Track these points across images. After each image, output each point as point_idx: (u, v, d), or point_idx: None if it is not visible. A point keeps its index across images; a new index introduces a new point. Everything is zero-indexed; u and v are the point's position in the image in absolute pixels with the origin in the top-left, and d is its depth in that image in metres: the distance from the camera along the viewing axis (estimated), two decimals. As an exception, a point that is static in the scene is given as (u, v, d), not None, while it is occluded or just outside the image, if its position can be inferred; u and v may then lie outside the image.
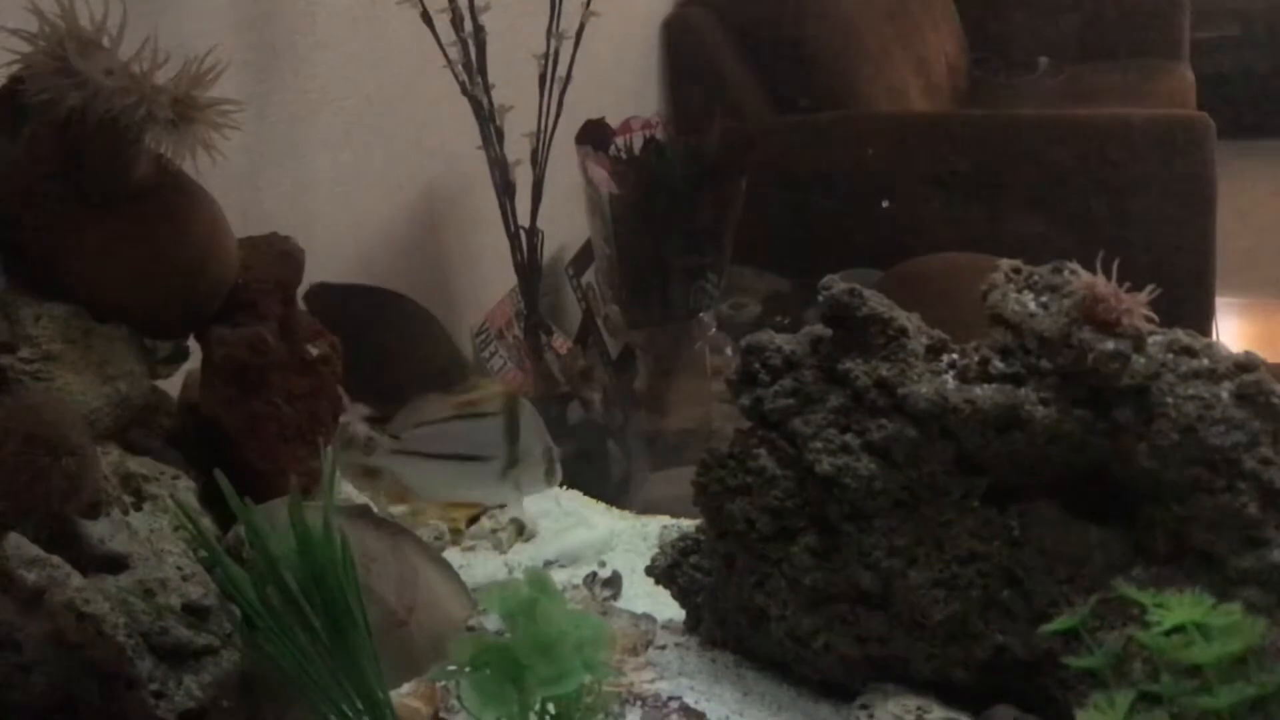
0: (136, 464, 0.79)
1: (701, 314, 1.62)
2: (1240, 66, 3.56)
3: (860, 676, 0.75)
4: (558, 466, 0.84)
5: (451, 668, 0.69)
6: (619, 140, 1.66)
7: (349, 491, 0.87)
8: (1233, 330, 2.59)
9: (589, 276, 1.86)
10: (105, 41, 0.74)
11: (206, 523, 0.78)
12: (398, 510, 0.92)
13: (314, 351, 0.82)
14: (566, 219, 1.69)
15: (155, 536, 0.76)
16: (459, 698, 0.72)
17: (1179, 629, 0.63)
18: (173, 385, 0.91)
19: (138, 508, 0.77)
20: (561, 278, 1.92)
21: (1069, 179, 2.10)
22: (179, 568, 0.75)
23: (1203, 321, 2.07)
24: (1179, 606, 0.63)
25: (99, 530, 0.73)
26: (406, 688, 0.76)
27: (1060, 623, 0.69)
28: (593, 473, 1.58)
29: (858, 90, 2.44)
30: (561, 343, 1.81)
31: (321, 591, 0.71)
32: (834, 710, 0.76)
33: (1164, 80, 2.85)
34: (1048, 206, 2.06)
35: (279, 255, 0.83)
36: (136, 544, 0.74)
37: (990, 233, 2.02)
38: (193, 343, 0.87)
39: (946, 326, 0.76)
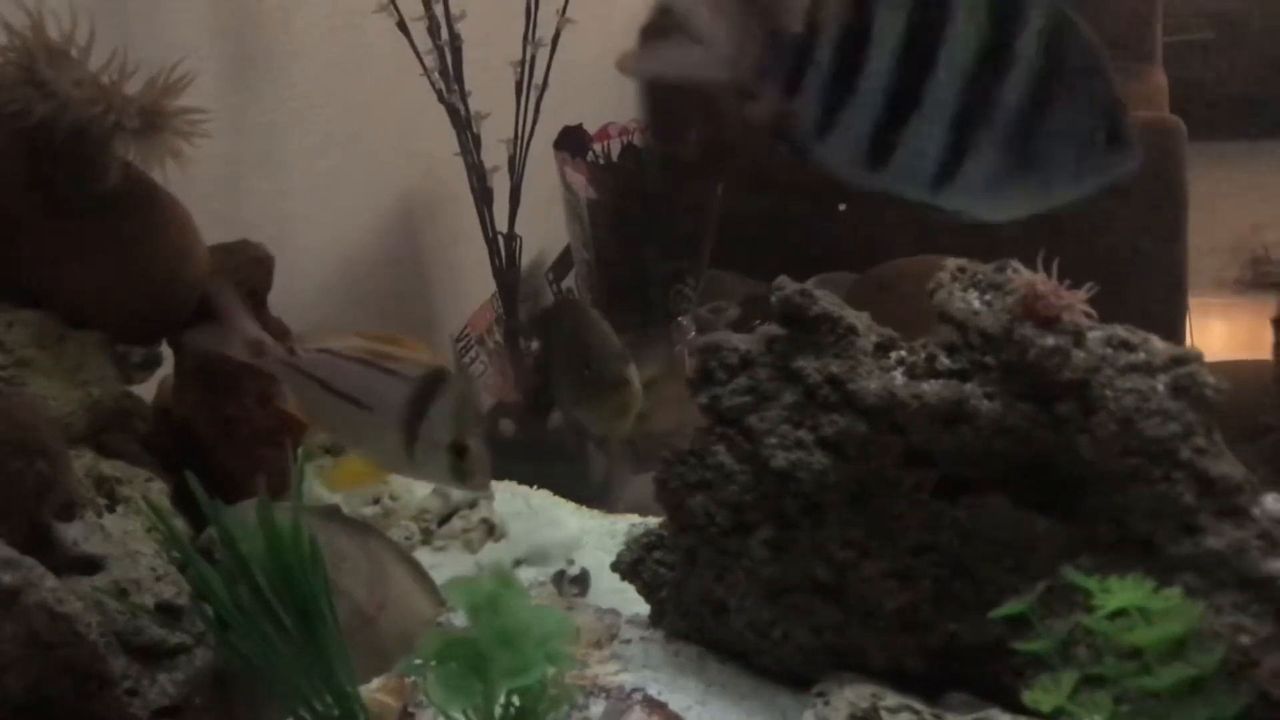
0: (110, 467, 0.80)
1: (680, 318, 1.63)
2: (1212, 70, 3.60)
3: (818, 666, 0.77)
4: (478, 469, 0.76)
5: (418, 662, 0.71)
6: (597, 146, 1.67)
7: (320, 492, 0.89)
8: (1206, 329, 2.62)
9: (569, 281, 1.88)
10: (74, 52, 0.76)
11: (179, 524, 0.80)
12: (369, 511, 0.94)
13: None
14: (546, 225, 1.71)
15: (129, 538, 0.77)
16: (427, 691, 0.74)
17: (1122, 613, 0.65)
18: (148, 390, 0.92)
19: (111, 510, 0.79)
20: (542, 283, 1.93)
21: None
22: (152, 568, 0.76)
23: (1175, 322, 2.09)
24: (1122, 591, 0.65)
25: (73, 532, 0.75)
26: (376, 683, 0.78)
27: (1010, 608, 0.71)
28: (574, 475, 1.60)
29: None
30: (542, 347, 1.82)
31: (291, 590, 0.72)
32: (793, 699, 0.78)
33: (1137, 83, 2.88)
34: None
35: (250, 261, 0.84)
36: (110, 545, 0.76)
37: (964, 236, 2.04)
38: (167, 349, 0.89)
39: (918, 327, 0.78)
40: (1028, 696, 0.65)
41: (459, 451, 0.75)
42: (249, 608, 0.72)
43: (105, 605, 0.72)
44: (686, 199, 1.63)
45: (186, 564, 0.75)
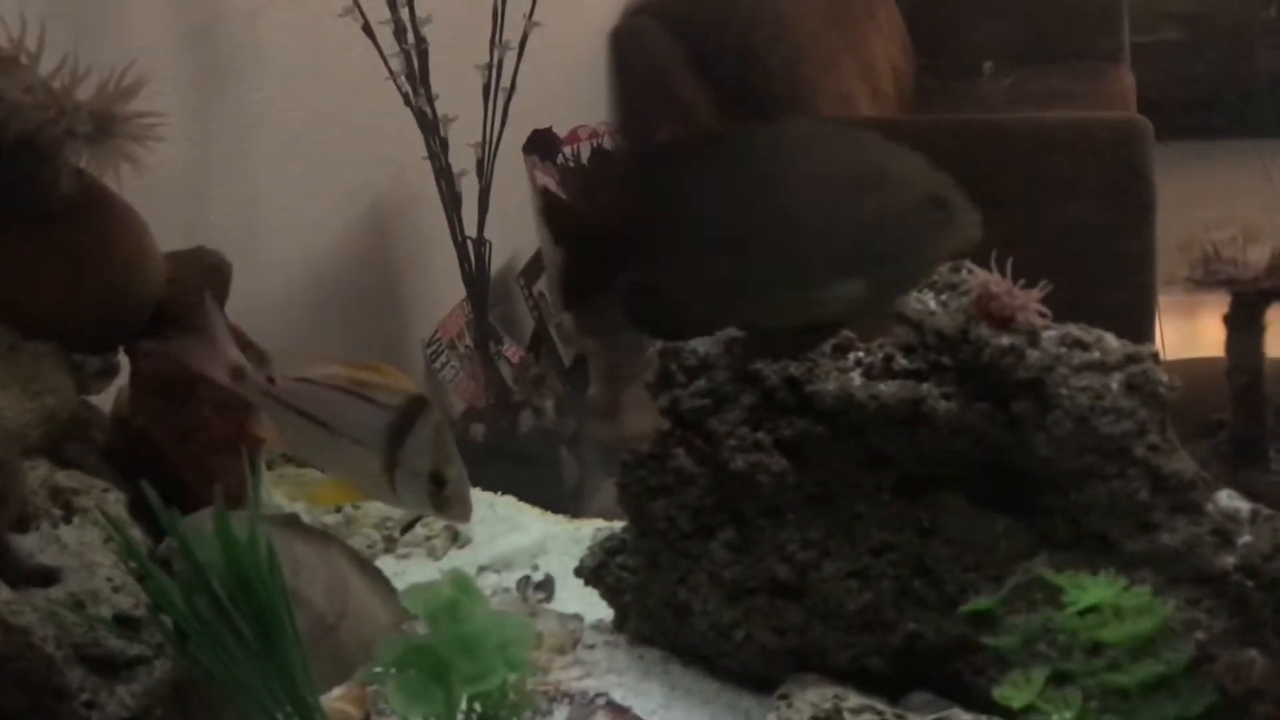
0: (66, 478, 0.80)
1: (653, 321, 1.62)
2: (1179, 69, 3.64)
3: (781, 667, 0.77)
4: (455, 500, 0.75)
5: (378, 669, 0.71)
6: (567, 149, 1.68)
7: (279, 501, 0.88)
8: (1176, 328, 2.64)
9: (541, 285, 1.88)
10: (24, 58, 0.75)
11: (136, 534, 0.79)
12: (330, 519, 0.93)
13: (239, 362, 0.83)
14: (518, 229, 1.71)
15: (85, 549, 0.77)
16: (388, 699, 0.74)
17: (1091, 609, 0.65)
18: (107, 400, 0.92)
19: (67, 521, 0.78)
20: (513, 287, 1.93)
21: (1010, 182, 2.14)
22: (109, 579, 0.76)
23: (1144, 321, 2.11)
24: (1095, 588, 0.65)
25: (28, 544, 0.74)
26: (337, 691, 0.77)
27: (978, 603, 0.71)
28: (545, 480, 1.60)
29: (805, 98, 2.47)
30: (514, 351, 1.82)
31: (249, 599, 0.72)
32: (757, 701, 0.78)
33: (1106, 83, 2.90)
34: (989, 210, 2.10)
35: (206, 268, 0.84)
36: (66, 557, 0.75)
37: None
38: (125, 358, 0.88)
39: (888, 328, 0.77)
40: (998, 693, 0.65)
41: (438, 481, 0.74)
42: (207, 618, 0.72)
43: (62, 617, 0.72)
44: (657, 201, 1.63)
45: (143, 574, 0.74)
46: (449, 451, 0.75)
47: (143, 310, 0.82)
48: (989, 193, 2.25)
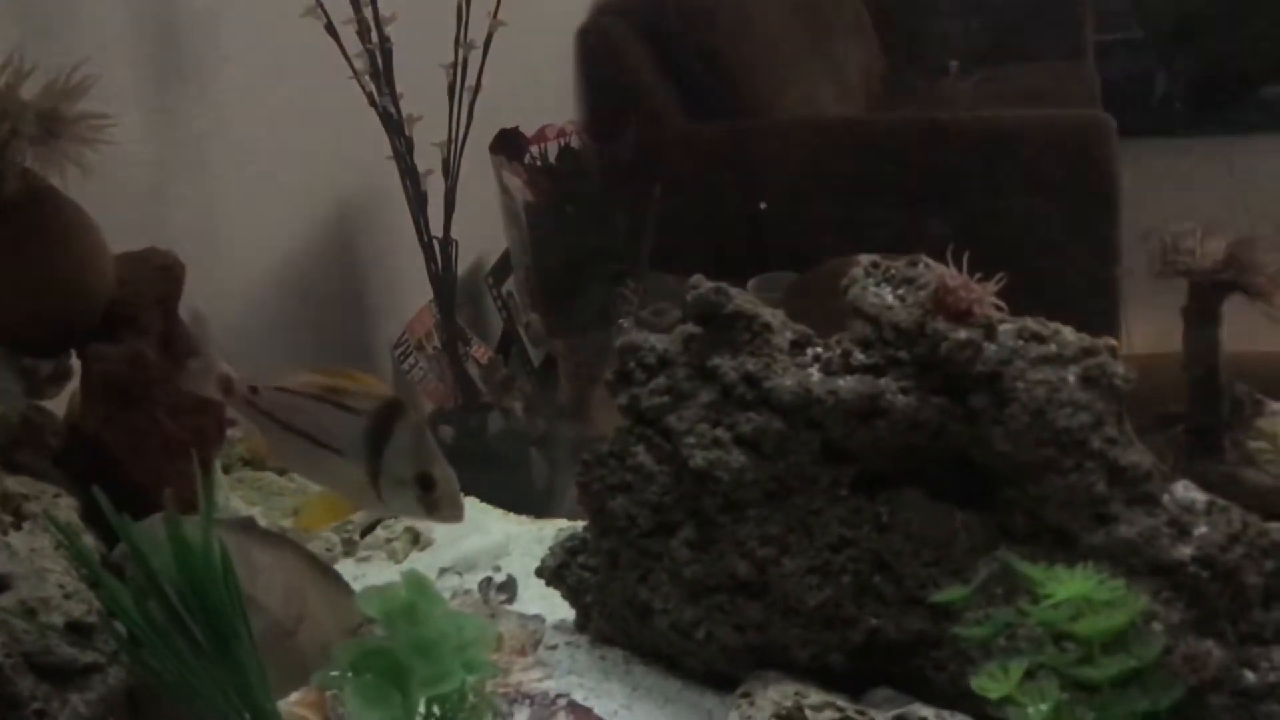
0: (16, 483, 0.78)
1: (622, 320, 1.63)
2: (1142, 67, 3.67)
3: (743, 665, 0.77)
4: (445, 501, 0.73)
5: (335, 673, 0.70)
6: (534, 149, 1.67)
7: (236, 504, 0.87)
8: (1141, 325, 2.66)
9: (509, 286, 1.87)
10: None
11: (88, 540, 0.78)
12: (289, 523, 0.92)
13: (194, 365, 0.82)
14: (486, 229, 1.70)
15: (36, 555, 0.75)
16: (346, 703, 0.73)
17: (1063, 602, 0.64)
18: (61, 404, 0.90)
19: (17, 527, 0.77)
20: (482, 287, 1.92)
21: (975, 180, 2.15)
22: (61, 586, 0.75)
23: (1109, 317, 2.13)
24: (1072, 581, 0.65)
25: (-24, 551, 0.73)
26: (295, 696, 0.76)
27: (952, 593, 0.70)
28: (515, 482, 1.59)
29: (772, 97, 2.48)
30: (482, 352, 1.81)
31: (203, 605, 0.71)
32: (719, 700, 0.78)
33: (1070, 80, 2.92)
34: (955, 208, 2.11)
35: (158, 270, 0.83)
36: (16, 563, 0.74)
37: (902, 235, 2.06)
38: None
39: None
40: (975, 683, 0.64)
41: (425, 483, 0.73)
42: (161, 624, 0.71)
43: (12, 625, 0.70)
44: (625, 201, 1.63)
45: (94, 581, 0.73)
46: (432, 452, 0.73)
47: (93, 313, 0.81)
48: (956, 190, 2.26)
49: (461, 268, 1.59)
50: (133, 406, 0.80)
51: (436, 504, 0.73)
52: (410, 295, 1.68)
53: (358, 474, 0.73)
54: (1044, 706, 0.63)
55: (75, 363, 0.87)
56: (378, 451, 0.72)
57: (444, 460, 0.74)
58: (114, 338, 0.81)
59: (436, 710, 0.70)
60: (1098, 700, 0.63)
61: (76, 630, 0.74)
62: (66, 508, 0.79)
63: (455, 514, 0.75)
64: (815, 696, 0.73)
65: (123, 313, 0.81)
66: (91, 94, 0.82)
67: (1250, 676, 0.67)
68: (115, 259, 0.83)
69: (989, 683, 0.64)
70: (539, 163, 1.66)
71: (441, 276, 1.52)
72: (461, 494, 0.75)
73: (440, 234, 1.48)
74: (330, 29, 1.35)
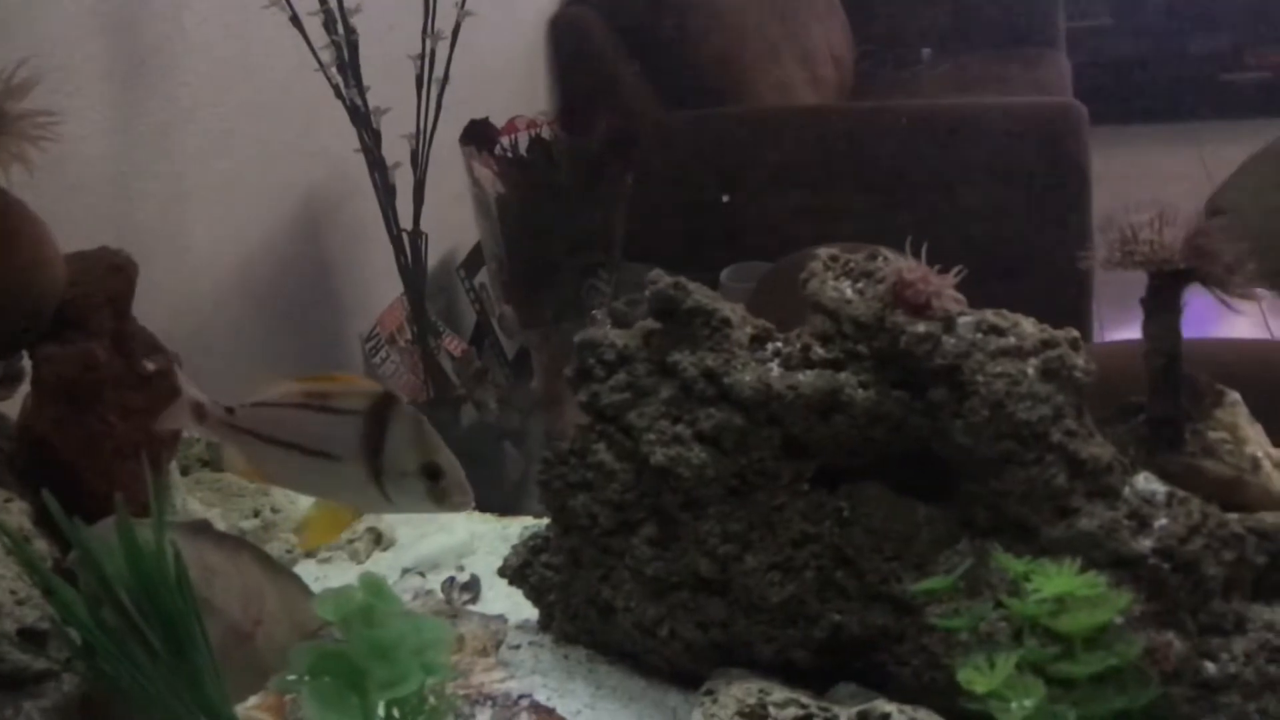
0: (-34, 489, 0.77)
1: (595, 312, 1.62)
2: (1113, 54, 3.68)
3: (707, 663, 0.76)
4: (454, 486, 0.71)
5: (292, 677, 0.69)
6: (504, 140, 1.65)
7: (195, 506, 0.86)
8: (1114, 315, 2.67)
9: (482, 278, 1.85)
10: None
11: (41, 545, 0.77)
12: (248, 525, 0.91)
13: (150, 366, 0.81)
14: (457, 221, 1.69)
15: (-13, 562, 0.74)
16: (304, 707, 0.72)
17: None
18: (14, 407, 0.89)
19: (-33, 533, 0.76)
20: (454, 279, 1.91)
21: (946, 169, 2.15)
22: (13, 592, 0.73)
23: (1081, 306, 2.13)
24: (1058, 577, 0.64)
25: (-76, 558, 0.72)
26: (253, 700, 0.75)
27: (931, 582, 0.70)
28: (488, 476, 1.58)
29: (744, 86, 2.47)
30: (455, 344, 1.80)
31: (157, 609, 0.70)
32: (683, 698, 0.77)
33: (1042, 68, 2.93)
34: (926, 196, 2.11)
35: (109, 269, 0.81)
36: (-33, 570, 0.73)
37: (875, 224, 2.06)
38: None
39: None
40: (961, 676, 0.63)
41: (431, 473, 0.71)
42: (115, 630, 0.70)
43: (-38, 633, 0.69)
44: (597, 191, 1.62)
45: (46, 587, 0.72)
46: (434, 440, 0.71)
47: (42, 314, 0.79)
48: (927, 178, 2.26)
49: (433, 260, 1.57)
50: (84, 409, 0.79)
51: (446, 492, 0.71)
52: (381, 289, 1.67)
53: (357, 476, 0.70)
54: (1028, 702, 0.62)
55: (28, 364, 0.85)
56: (377, 449, 0.70)
57: (445, 446, 0.72)
58: (64, 339, 0.79)
59: (396, 713, 0.69)
60: (1073, 696, 0.63)
61: (29, 637, 0.73)
62: (19, 512, 0.78)
63: (466, 500, 0.73)
64: (779, 693, 0.72)
65: (73, 314, 0.80)
66: (52, 88, 0.81)
67: (1211, 668, 0.67)
68: (66, 259, 0.81)
69: (975, 675, 0.62)
70: (510, 154, 1.64)
71: (411, 269, 1.50)
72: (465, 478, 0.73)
73: (410, 227, 1.47)
74: (295, 20, 1.33)
